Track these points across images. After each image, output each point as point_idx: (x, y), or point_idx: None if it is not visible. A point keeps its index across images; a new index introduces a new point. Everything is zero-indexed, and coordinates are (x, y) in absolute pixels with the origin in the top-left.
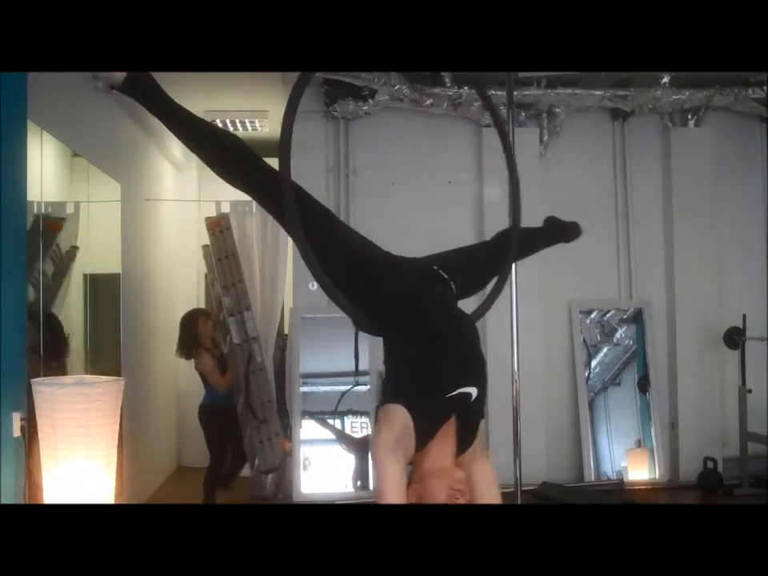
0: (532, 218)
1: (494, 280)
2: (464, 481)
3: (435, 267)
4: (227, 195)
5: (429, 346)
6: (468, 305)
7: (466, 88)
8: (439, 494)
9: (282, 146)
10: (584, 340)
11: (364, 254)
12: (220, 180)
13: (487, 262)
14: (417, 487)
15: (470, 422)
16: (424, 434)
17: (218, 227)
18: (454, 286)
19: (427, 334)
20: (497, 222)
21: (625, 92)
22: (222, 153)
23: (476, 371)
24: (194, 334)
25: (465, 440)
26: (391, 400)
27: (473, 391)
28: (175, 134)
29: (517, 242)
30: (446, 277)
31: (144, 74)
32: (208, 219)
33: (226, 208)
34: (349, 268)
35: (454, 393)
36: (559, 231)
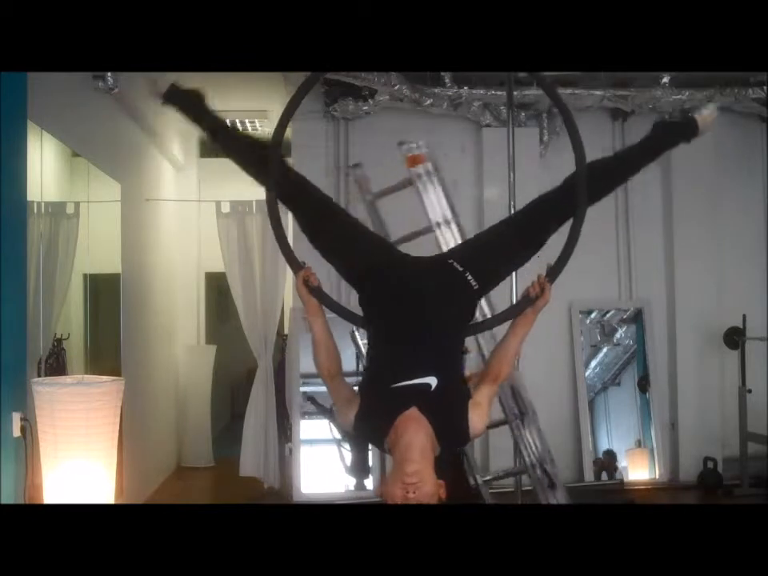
0: None
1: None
2: (415, 474)
3: (450, 261)
4: (227, 195)
5: (385, 338)
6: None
7: (466, 88)
8: (392, 488)
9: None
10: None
11: (365, 243)
12: (220, 180)
13: (516, 238)
14: (381, 486)
15: (438, 411)
16: (377, 424)
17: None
18: (470, 278)
19: (388, 327)
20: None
21: (625, 92)
22: (245, 156)
23: (436, 362)
24: None
25: (446, 429)
26: (359, 391)
27: (431, 381)
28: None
29: (585, 190)
30: (461, 269)
31: (189, 89)
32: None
33: (226, 208)
34: (351, 255)
35: (409, 383)
36: (675, 132)
